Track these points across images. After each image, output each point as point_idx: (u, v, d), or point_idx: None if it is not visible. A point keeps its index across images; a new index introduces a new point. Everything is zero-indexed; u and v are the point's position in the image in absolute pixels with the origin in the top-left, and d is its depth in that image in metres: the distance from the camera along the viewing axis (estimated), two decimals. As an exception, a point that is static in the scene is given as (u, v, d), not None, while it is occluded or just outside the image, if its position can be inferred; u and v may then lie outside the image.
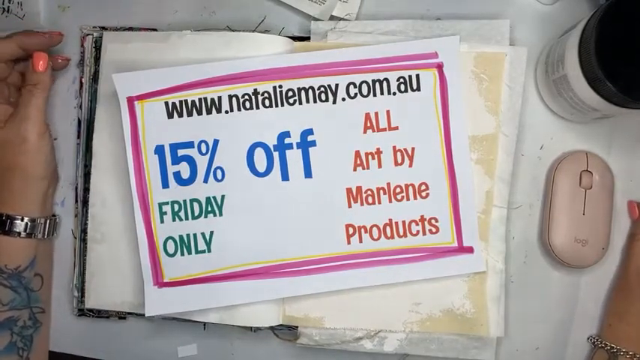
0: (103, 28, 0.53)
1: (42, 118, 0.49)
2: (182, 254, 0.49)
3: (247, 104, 0.49)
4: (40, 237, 0.50)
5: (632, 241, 0.49)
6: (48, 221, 0.50)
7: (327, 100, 0.49)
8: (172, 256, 0.49)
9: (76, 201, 0.53)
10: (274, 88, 0.49)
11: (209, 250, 0.49)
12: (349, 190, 0.49)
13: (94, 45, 0.52)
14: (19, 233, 0.48)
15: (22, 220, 0.48)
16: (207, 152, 0.49)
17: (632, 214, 0.50)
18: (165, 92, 0.49)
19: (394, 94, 0.49)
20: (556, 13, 0.51)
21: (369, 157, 0.49)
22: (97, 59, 0.52)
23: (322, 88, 0.49)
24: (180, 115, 0.49)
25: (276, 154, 0.49)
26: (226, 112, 0.49)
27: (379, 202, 0.49)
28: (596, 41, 0.41)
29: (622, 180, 0.50)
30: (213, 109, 0.49)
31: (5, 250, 0.48)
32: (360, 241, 0.49)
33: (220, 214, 0.49)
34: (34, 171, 0.48)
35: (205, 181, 0.49)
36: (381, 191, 0.49)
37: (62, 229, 0.53)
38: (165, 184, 0.49)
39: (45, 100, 0.49)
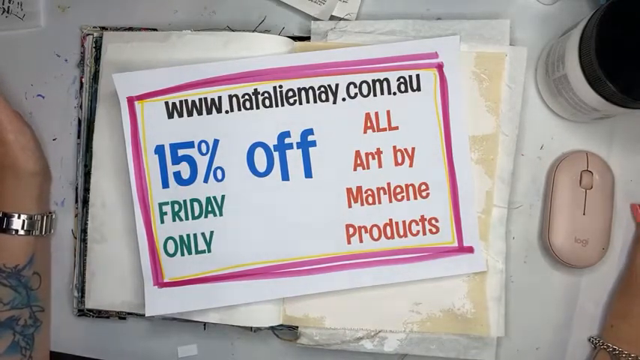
0: (103, 28, 0.53)
1: (10, 117, 0.48)
2: (182, 254, 0.49)
3: (247, 104, 0.49)
4: (37, 234, 0.50)
5: (637, 244, 0.49)
6: (45, 218, 0.50)
7: (327, 100, 0.49)
8: (172, 256, 0.49)
9: (76, 201, 0.53)
10: (274, 88, 0.49)
11: (209, 250, 0.49)
12: (349, 190, 0.49)
13: (94, 45, 0.52)
14: (17, 231, 0.48)
15: (19, 217, 0.48)
16: (207, 152, 0.49)
17: (636, 217, 0.49)
18: (166, 92, 0.49)
19: (394, 94, 0.49)
20: (556, 13, 0.51)
21: (369, 157, 0.49)
22: (97, 59, 0.52)
23: (322, 88, 0.49)
24: (181, 115, 0.49)
25: (276, 154, 0.49)
26: (226, 112, 0.49)
27: (379, 202, 0.49)
28: (597, 41, 0.41)
29: (622, 180, 0.50)
30: (214, 109, 0.49)
31: (3, 248, 0.48)
32: (361, 241, 0.49)
33: (220, 214, 0.49)
34: (24, 167, 0.48)
35: (205, 181, 0.49)
36: (381, 191, 0.49)
37: (62, 229, 0.53)
38: (165, 184, 0.49)
39: (2, 98, 0.48)
